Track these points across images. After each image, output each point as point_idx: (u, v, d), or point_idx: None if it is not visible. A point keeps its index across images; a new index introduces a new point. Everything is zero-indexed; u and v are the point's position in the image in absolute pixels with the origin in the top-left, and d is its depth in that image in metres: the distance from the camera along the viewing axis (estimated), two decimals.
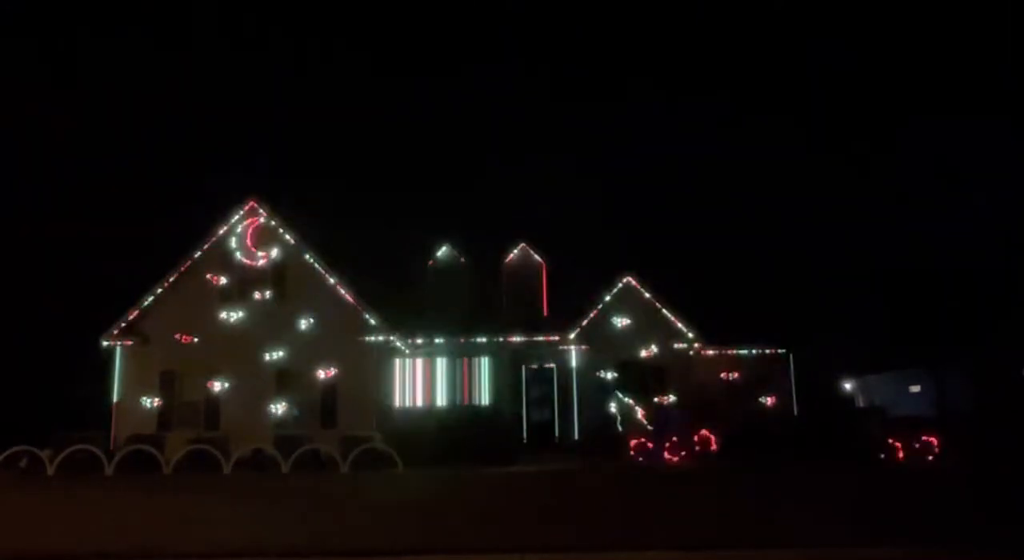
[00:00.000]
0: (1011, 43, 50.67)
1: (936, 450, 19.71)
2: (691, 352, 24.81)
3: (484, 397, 24.13)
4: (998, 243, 33.29)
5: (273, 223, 22.38)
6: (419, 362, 24.37)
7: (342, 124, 63.69)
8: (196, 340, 21.61)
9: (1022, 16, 50.15)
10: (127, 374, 21.65)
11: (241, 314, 21.82)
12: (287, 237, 22.31)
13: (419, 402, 24.15)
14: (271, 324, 21.61)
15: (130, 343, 21.64)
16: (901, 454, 19.73)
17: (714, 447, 22.60)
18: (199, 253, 22.16)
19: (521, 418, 24.23)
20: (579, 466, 19.32)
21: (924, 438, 19.93)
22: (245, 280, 22.12)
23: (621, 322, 24.62)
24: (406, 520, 10.18)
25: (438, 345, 24.45)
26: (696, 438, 22.89)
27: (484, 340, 24.45)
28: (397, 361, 24.25)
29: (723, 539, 8.36)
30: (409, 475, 17.24)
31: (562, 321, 24.84)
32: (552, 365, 24.85)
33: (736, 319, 26.01)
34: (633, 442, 21.52)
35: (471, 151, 57.89)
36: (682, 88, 67.41)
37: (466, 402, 24.03)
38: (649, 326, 24.65)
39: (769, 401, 25.52)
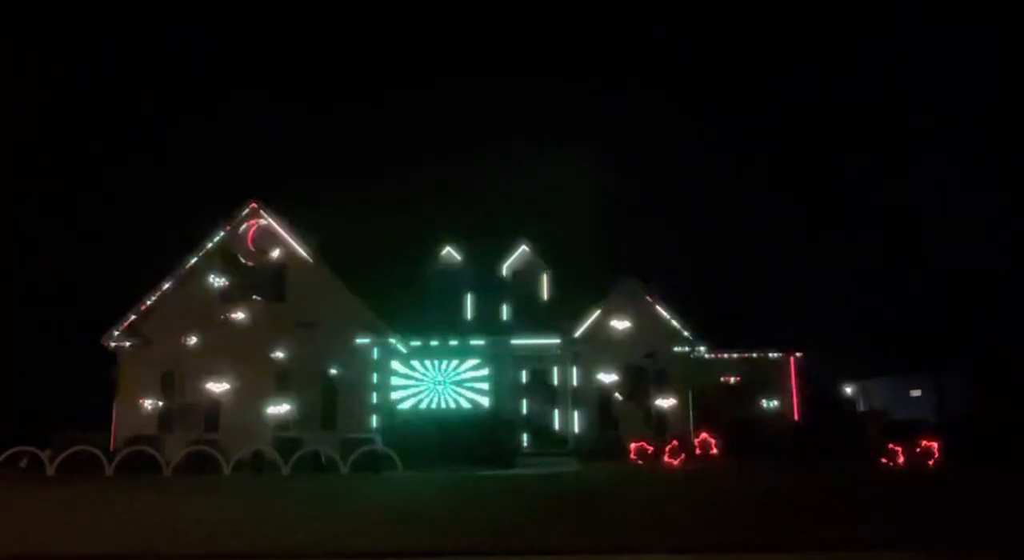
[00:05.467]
0: None
1: (936, 454, 19.69)
2: (692, 355, 24.77)
3: (484, 399, 24.12)
4: (999, 247, 33.28)
5: (274, 224, 22.39)
6: (419, 364, 24.36)
7: (344, 125, 63.75)
8: (197, 341, 21.60)
9: None
10: (128, 375, 21.64)
11: (242, 315, 21.79)
12: (288, 238, 22.32)
13: (419, 404, 24.14)
14: (271, 325, 21.60)
15: (131, 344, 21.63)
16: (901, 458, 19.71)
17: (714, 450, 22.60)
18: (200, 254, 22.15)
19: (521, 420, 24.20)
20: (579, 469, 19.31)
21: (924, 442, 19.91)
22: (246, 281, 22.10)
23: (622, 324, 24.56)
24: (406, 523, 10.17)
25: (438, 346, 24.44)
26: (696, 441, 22.91)
27: (484, 342, 24.44)
28: (397, 362, 24.24)
29: (722, 542, 8.36)
30: (409, 477, 17.23)
31: (562, 323, 24.80)
32: (552, 367, 24.83)
33: (737, 322, 25.99)
34: (633, 445, 21.53)
35: (472, 152, 57.92)
36: (682, 88, 67.47)
37: (466, 404, 24.03)
38: (650, 328, 24.60)
39: (770, 405, 25.50)
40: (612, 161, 56.71)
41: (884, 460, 19.80)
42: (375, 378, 21.85)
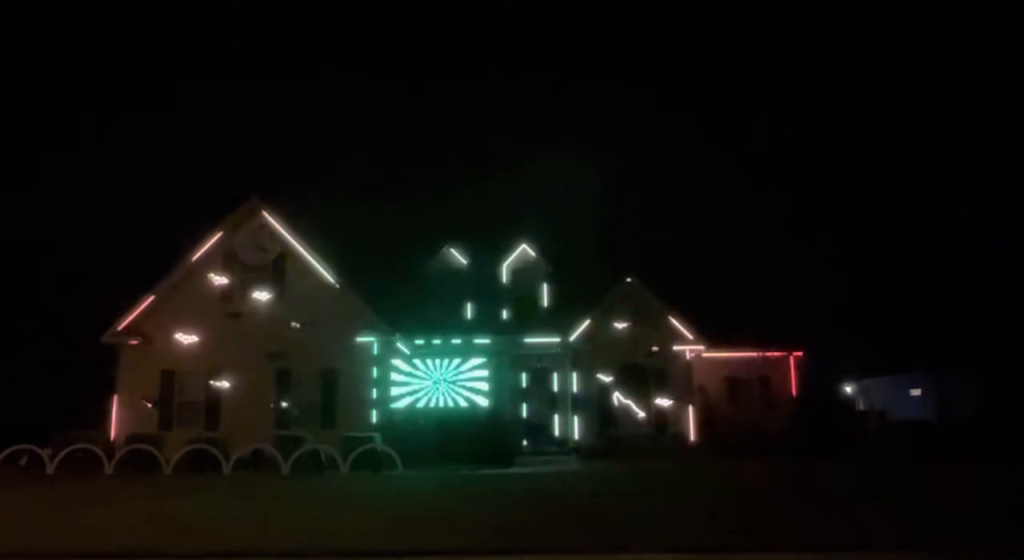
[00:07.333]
0: None
1: (936, 453, 19.71)
2: (692, 353, 24.78)
3: (484, 398, 24.11)
4: (1000, 246, 33.26)
5: (274, 222, 22.37)
6: (419, 362, 24.35)
7: (344, 124, 63.71)
8: (196, 339, 21.58)
9: None
10: (127, 373, 21.63)
11: (241, 313, 21.79)
12: (288, 237, 22.30)
13: (419, 403, 24.13)
14: (271, 324, 21.59)
15: (131, 342, 21.61)
16: (901, 457, 19.72)
17: (715, 449, 22.62)
18: (200, 252, 22.14)
19: (521, 419, 24.20)
20: (579, 468, 19.31)
21: (924, 442, 19.93)
22: (246, 279, 22.10)
23: (622, 323, 24.58)
24: (406, 521, 10.16)
25: (438, 345, 24.43)
26: (696, 440, 22.92)
27: (484, 341, 24.44)
28: (397, 361, 24.23)
29: (722, 542, 8.34)
30: (409, 476, 17.24)
31: (562, 322, 24.81)
32: (552, 366, 24.83)
33: (737, 321, 25.98)
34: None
35: (472, 151, 57.91)
36: (683, 89, 67.40)
37: (466, 403, 24.02)
38: (650, 327, 24.62)
39: (770, 403, 25.50)
40: (612, 160, 56.71)
41: (884, 460, 19.81)
42: (375, 377, 21.84)
